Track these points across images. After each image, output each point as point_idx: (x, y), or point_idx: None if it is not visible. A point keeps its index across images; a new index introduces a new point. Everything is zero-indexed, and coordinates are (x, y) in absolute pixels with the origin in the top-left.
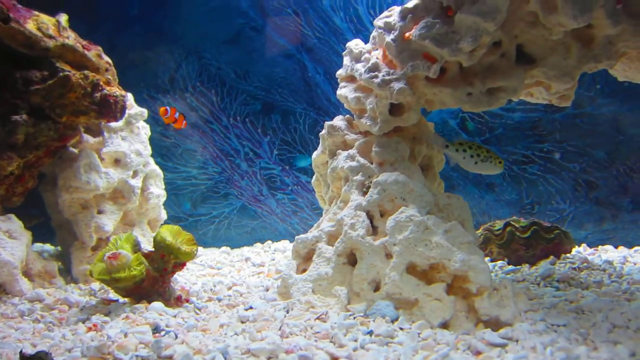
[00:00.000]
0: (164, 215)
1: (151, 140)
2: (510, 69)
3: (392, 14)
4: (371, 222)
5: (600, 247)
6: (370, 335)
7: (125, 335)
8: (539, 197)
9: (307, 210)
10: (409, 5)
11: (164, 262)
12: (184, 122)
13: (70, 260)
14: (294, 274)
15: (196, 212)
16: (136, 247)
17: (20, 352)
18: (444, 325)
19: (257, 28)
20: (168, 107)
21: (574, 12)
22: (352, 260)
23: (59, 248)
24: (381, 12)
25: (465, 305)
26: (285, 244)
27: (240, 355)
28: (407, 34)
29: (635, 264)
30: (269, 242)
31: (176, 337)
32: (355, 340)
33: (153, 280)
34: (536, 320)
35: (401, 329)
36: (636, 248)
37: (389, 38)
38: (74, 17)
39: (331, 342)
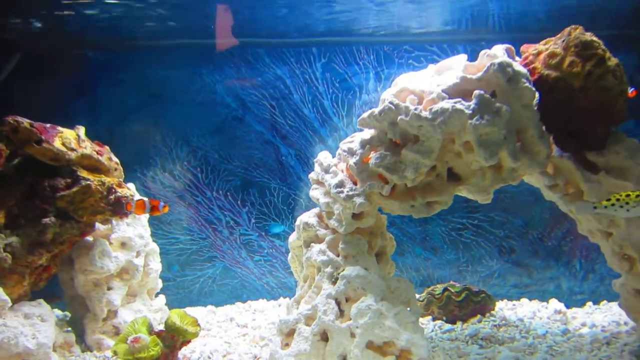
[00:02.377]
0: (160, 284)
1: None
2: (443, 186)
3: (354, 141)
4: (339, 305)
5: (518, 301)
6: None
7: None
8: (472, 258)
9: (281, 270)
10: (366, 136)
11: (174, 340)
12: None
13: (83, 328)
14: (279, 349)
15: (183, 273)
16: (150, 328)
17: None
18: None
19: (238, 118)
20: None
21: (485, 155)
22: (325, 337)
23: (67, 313)
24: (342, 105)
25: None
26: (263, 304)
27: None
28: (365, 158)
29: (541, 318)
30: (249, 301)
31: None
32: None
33: (165, 356)
34: None
35: None
36: (543, 303)
37: (351, 161)
38: (82, 108)
39: None
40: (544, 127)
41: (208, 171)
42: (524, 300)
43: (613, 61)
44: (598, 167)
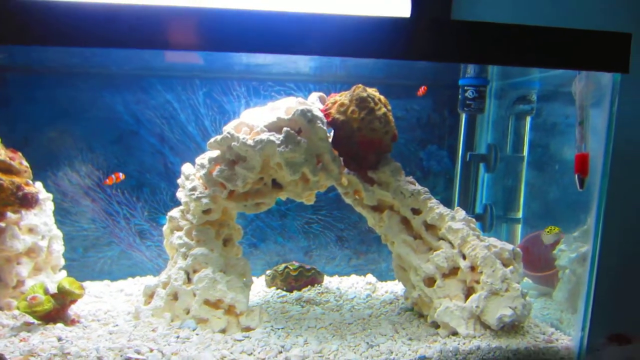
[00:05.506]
0: (62, 261)
1: (54, 204)
2: (268, 192)
3: (205, 158)
4: (188, 276)
5: (347, 277)
6: (177, 338)
7: (43, 343)
8: (320, 245)
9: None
10: (213, 155)
11: (64, 300)
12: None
13: None
14: (142, 306)
15: (87, 255)
16: (46, 290)
17: None
18: (222, 331)
19: (134, 131)
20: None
21: (290, 172)
22: (175, 297)
23: None
24: (219, 125)
25: (235, 320)
26: (150, 279)
27: (105, 350)
28: (211, 170)
29: (356, 288)
30: (138, 277)
31: (72, 343)
32: (168, 341)
33: (56, 311)
34: (268, 326)
35: (197, 334)
36: (362, 277)
37: (202, 172)
38: (1, 119)
39: (154, 342)
40: (336, 153)
41: (108, 173)
42: (353, 276)
43: (381, 111)
44: (374, 181)
